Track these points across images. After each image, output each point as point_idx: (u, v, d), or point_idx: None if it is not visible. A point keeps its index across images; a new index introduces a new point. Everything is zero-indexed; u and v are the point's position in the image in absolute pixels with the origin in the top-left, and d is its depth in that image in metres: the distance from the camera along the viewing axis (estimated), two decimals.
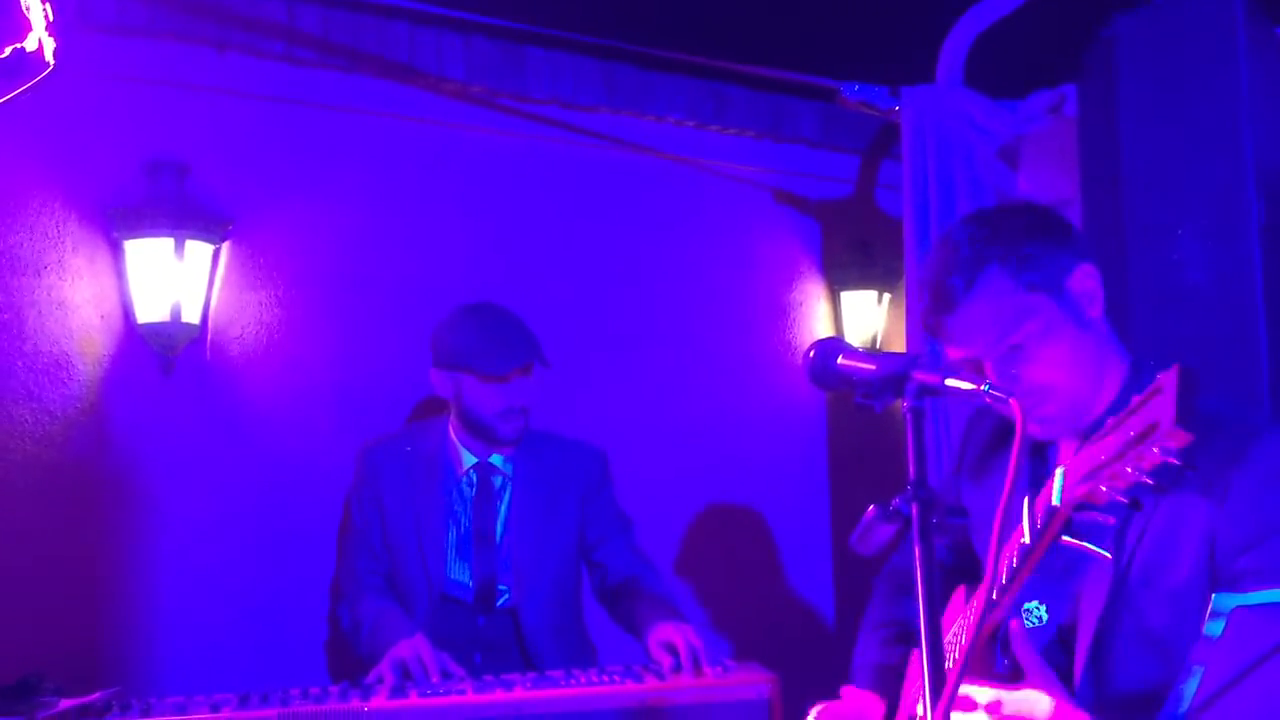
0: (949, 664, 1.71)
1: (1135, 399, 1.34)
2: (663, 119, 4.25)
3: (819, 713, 2.02)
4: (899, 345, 4.47)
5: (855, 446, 4.53)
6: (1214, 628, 1.08)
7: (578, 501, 3.01)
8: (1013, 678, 1.62)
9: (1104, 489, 1.33)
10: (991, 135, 3.79)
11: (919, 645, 1.23)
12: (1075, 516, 1.45)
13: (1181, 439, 1.25)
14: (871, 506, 1.41)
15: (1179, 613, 1.57)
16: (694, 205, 4.34)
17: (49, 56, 1.68)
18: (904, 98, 3.83)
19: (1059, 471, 1.45)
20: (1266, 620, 1.08)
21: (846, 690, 2.10)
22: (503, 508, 2.97)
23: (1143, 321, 2.89)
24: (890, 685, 2.06)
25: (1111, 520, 1.39)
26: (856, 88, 3.85)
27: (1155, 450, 1.26)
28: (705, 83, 4.30)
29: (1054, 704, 1.53)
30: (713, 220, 4.37)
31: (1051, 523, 1.46)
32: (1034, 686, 1.56)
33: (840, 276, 4.59)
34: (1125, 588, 1.61)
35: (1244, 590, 1.46)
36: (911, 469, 1.37)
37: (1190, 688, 1.11)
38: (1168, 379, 1.28)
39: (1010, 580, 1.52)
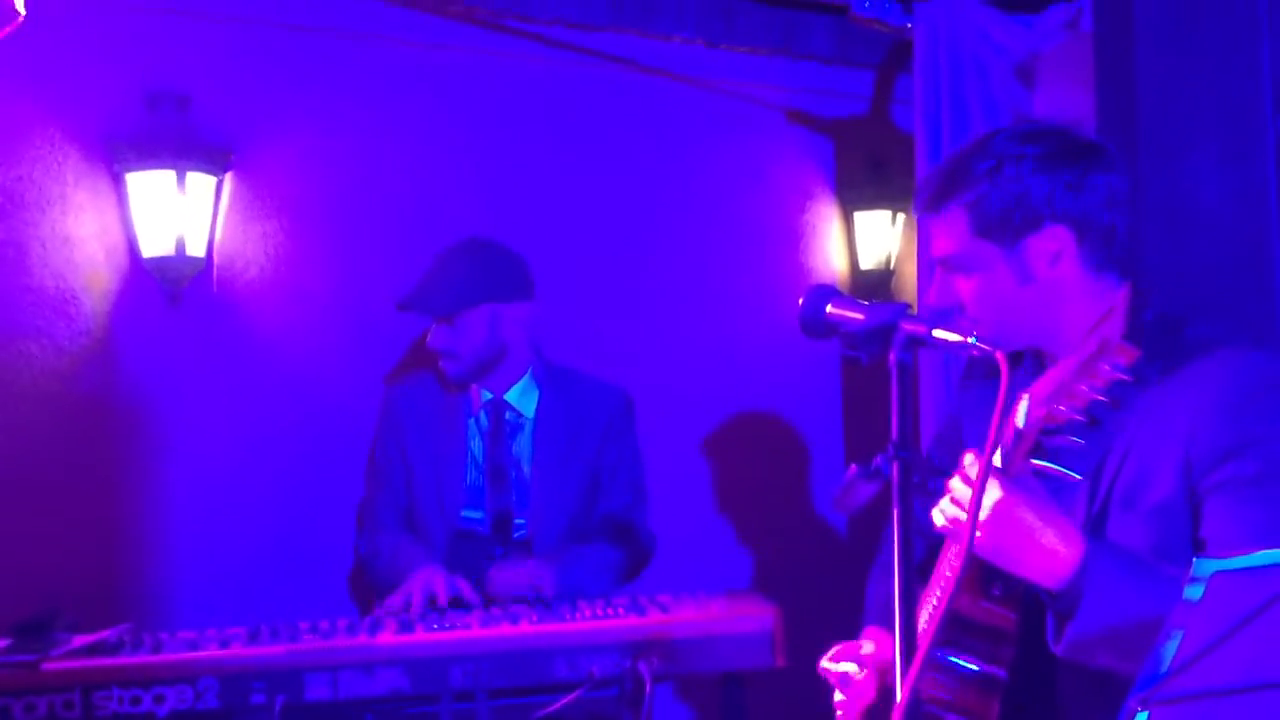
0: (936, 595, 1.73)
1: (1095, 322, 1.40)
2: (670, 38, 4.15)
3: (837, 651, 2.03)
4: (912, 267, 4.40)
5: (870, 374, 4.48)
6: (1193, 592, 1.07)
7: (598, 440, 3.01)
8: (1005, 602, 1.64)
9: (1063, 408, 1.37)
10: (1007, 51, 3.69)
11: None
12: (1046, 441, 1.49)
13: (1129, 354, 1.33)
14: (853, 465, 1.40)
15: (1161, 531, 1.59)
16: (704, 126, 4.26)
17: (20, 7, 1.64)
18: (917, 13, 3.72)
19: (1024, 397, 1.49)
20: (1245, 584, 1.07)
21: (866, 630, 2.11)
22: (518, 444, 2.98)
23: (1155, 243, 2.85)
24: None
25: (1080, 442, 1.43)
26: (867, 3, 3.73)
27: (1106, 367, 1.33)
28: None
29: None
30: (723, 141, 4.29)
31: (1018, 445, 1.49)
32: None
33: (853, 197, 4.51)
34: (1108, 510, 1.64)
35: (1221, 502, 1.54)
36: (895, 427, 1.35)
37: (1170, 650, 1.11)
38: (1119, 299, 1.37)
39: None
